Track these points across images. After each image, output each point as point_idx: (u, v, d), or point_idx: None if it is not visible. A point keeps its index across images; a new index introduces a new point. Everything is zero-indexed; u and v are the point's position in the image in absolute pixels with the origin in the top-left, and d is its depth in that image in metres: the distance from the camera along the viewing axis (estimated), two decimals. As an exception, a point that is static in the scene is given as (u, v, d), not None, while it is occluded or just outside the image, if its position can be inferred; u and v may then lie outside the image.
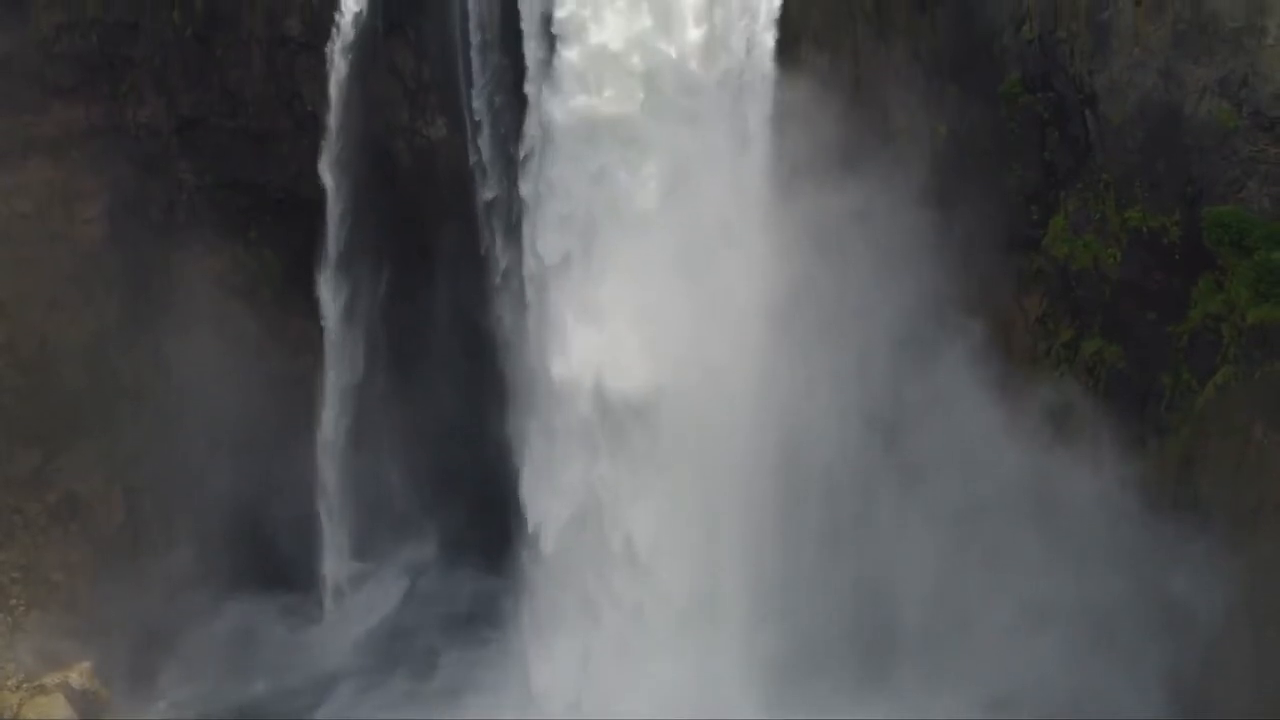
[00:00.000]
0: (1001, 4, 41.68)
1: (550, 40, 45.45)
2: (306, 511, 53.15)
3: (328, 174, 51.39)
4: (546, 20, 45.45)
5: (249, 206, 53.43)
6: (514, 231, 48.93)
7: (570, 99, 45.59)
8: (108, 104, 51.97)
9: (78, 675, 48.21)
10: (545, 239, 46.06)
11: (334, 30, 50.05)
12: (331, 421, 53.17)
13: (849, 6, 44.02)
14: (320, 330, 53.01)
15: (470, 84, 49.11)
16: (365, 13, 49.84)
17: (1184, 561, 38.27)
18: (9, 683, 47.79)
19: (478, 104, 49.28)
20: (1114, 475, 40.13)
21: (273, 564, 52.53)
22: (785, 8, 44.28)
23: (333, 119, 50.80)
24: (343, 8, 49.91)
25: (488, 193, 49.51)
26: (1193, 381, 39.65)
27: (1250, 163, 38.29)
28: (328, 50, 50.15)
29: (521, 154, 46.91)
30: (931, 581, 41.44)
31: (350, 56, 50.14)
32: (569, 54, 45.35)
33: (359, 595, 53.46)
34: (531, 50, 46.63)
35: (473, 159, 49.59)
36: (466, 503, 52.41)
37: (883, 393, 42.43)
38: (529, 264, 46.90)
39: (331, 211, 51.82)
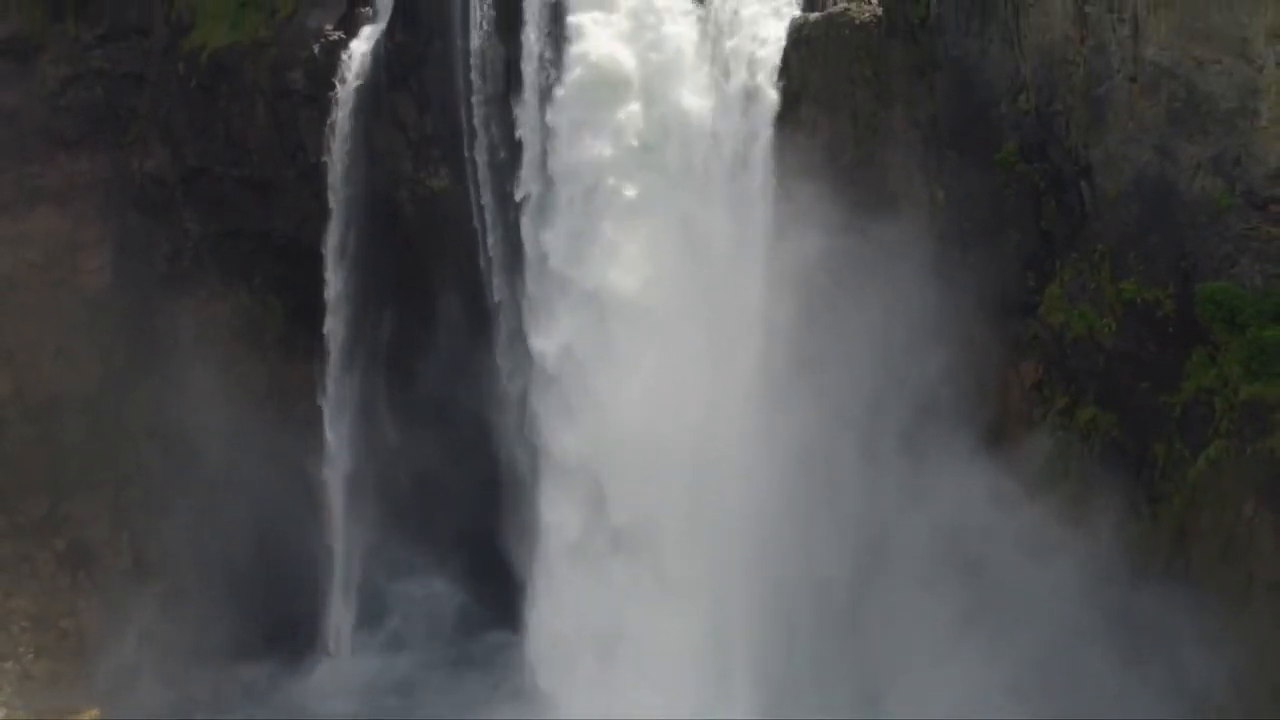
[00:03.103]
0: (999, 74, 41.96)
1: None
2: (312, 555, 53.63)
3: (331, 222, 51.87)
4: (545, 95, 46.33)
5: (253, 254, 53.94)
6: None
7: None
8: (113, 154, 52.79)
9: (86, 723, 48.96)
10: None
11: (337, 82, 50.54)
12: (335, 466, 53.65)
13: (848, 71, 44.30)
14: (323, 375, 53.49)
15: (473, 135, 49.53)
16: (369, 66, 50.33)
17: (1178, 633, 38.60)
18: (18, 731, 48.54)
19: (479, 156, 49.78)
20: (1108, 543, 40.55)
21: (279, 608, 52.99)
22: (785, 67, 44.60)
23: (336, 169, 51.29)
24: (346, 61, 50.41)
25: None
26: (1186, 453, 39.92)
27: (1243, 240, 38.61)
28: (331, 102, 50.66)
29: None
30: (927, 648, 41.92)
31: (353, 108, 50.70)
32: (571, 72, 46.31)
33: (365, 640, 53.92)
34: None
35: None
36: (472, 545, 52.82)
37: (877, 456, 42.94)
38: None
39: (334, 260, 52.32)
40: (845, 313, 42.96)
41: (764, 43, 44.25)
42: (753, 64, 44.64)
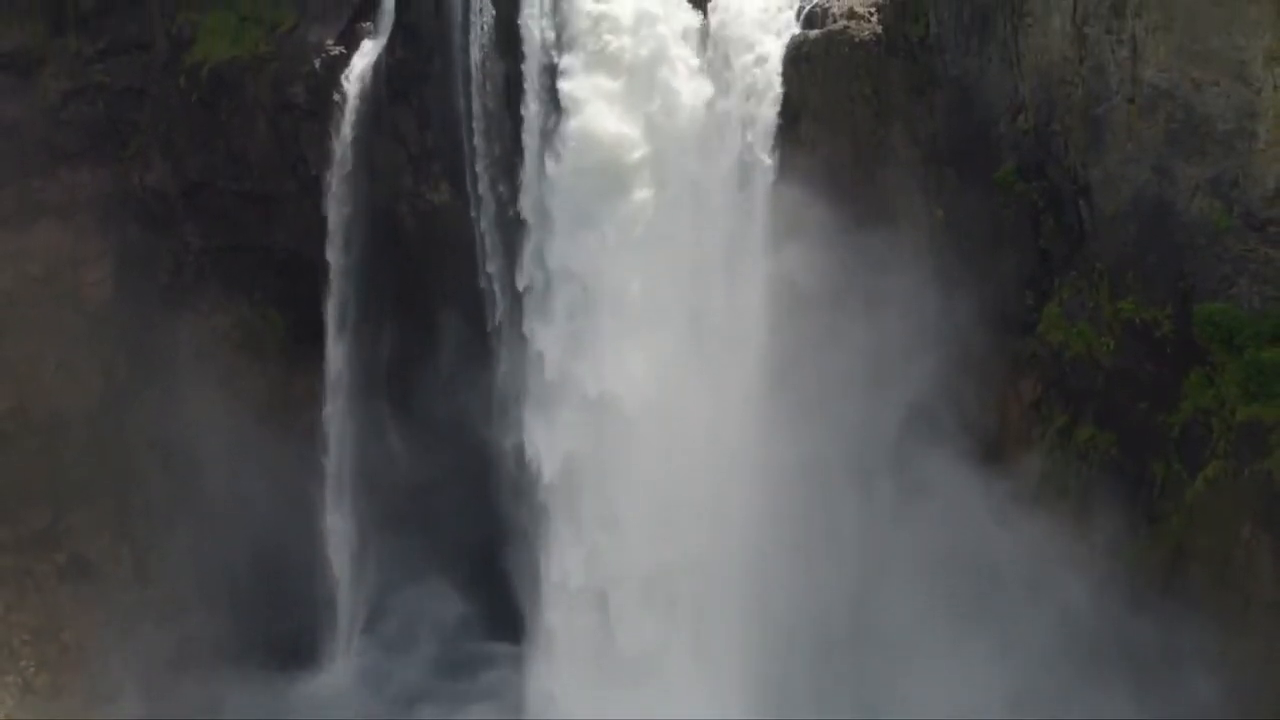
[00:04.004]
0: (998, 93, 41.98)
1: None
2: (315, 568, 53.70)
3: (331, 236, 51.96)
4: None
5: (254, 267, 54.01)
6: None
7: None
8: (114, 168, 52.71)
9: (88, 737, 49.05)
10: None
11: (338, 97, 50.55)
12: (336, 477, 53.74)
13: (848, 89, 44.39)
14: (324, 388, 53.57)
15: (479, 201, 49.16)
16: (369, 81, 50.33)
17: (1175, 653, 38.65)
18: (19, 745, 48.68)
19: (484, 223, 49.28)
20: (1106, 562, 40.65)
21: (279, 620, 53.14)
22: (786, 85, 44.58)
23: (336, 183, 51.37)
24: (347, 76, 50.44)
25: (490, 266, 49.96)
26: (1183, 473, 39.96)
27: (1241, 261, 38.58)
28: (332, 117, 50.72)
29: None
30: (924, 666, 42.06)
31: (354, 123, 50.56)
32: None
33: (364, 650, 54.01)
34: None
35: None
36: (474, 555, 52.85)
37: (874, 474, 43.07)
38: None
39: (335, 272, 52.40)
40: (845, 333, 43.02)
41: (760, 99, 43.61)
42: (748, 125, 44.00)
